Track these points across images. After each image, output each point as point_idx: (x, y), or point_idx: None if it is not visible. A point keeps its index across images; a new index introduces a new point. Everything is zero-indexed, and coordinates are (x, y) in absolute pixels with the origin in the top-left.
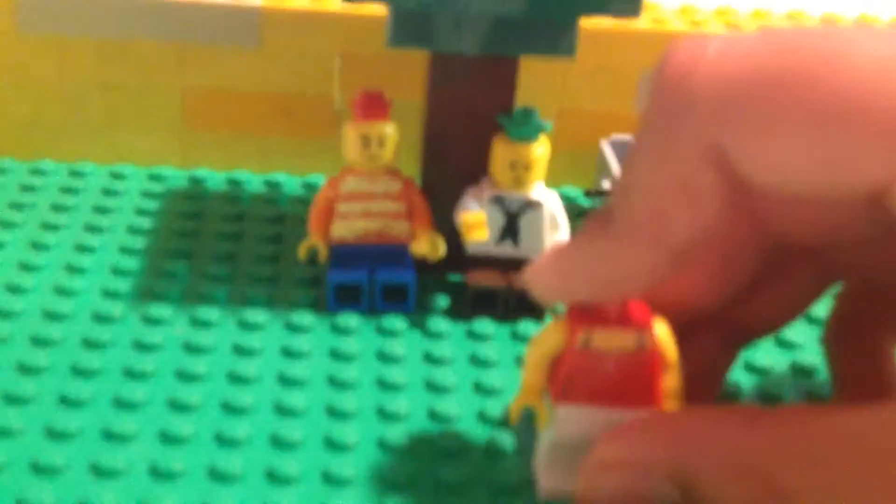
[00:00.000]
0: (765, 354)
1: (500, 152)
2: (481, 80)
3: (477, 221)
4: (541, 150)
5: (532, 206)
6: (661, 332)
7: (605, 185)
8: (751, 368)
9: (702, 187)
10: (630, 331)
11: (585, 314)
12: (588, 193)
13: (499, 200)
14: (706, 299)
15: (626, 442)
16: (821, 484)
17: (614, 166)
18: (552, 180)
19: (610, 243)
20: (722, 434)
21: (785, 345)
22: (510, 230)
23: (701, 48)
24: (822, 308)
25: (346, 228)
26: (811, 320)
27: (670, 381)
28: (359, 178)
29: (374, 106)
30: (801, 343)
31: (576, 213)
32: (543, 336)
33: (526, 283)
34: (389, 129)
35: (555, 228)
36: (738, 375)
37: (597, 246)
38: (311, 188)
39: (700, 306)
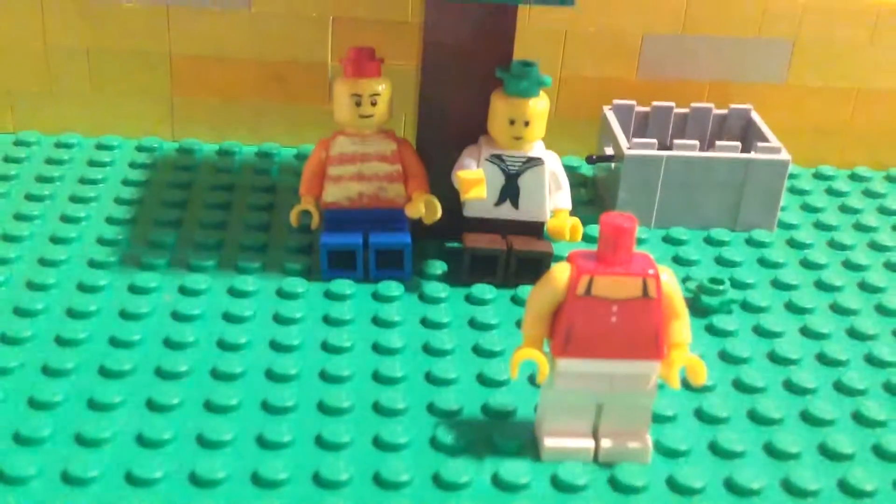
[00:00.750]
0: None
1: (499, 108)
2: (479, 33)
3: (475, 179)
4: (541, 105)
5: (532, 164)
6: (668, 279)
7: (608, 151)
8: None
9: None
10: (634, 277)
11: (588, 261)
12: (590, 159)
13: (497, 159)
14: None
15: None
16: None
17: (617, 132)
18: (552, 150)
19: None
20: None
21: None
22: (509, 191)
23: None
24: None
25: (338, 192)
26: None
27: (678, 331)
28: (351, 139)
29: (365, 63)
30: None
31: (578, 182)
32: (543, 283)
33: None
34: (382, 87)
35: (556, 188)
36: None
37: None
38: (303, 158)
39: None
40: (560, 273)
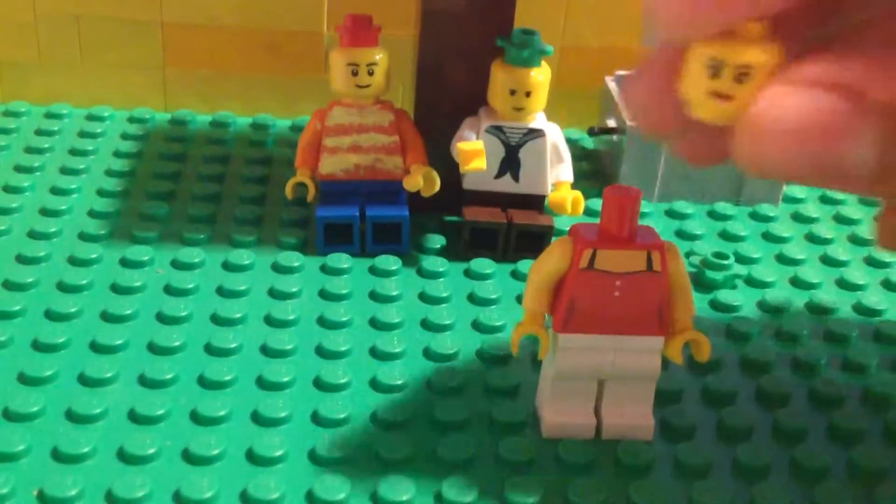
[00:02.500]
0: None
1: (499, 78)
2: (478, 1)
3: (475, 150)
4: (543, 75)
5: (533, 135)
6: (672, 253)
7: (610, 122)
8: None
9: None
10: (638, 251)
11: (590, 233)
12: (591, 131)
13: (498, 130)
14: None
15: (831, 59)
16: None
17: (620, 103)
18: (553, 121)
19: None
20: None
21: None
22: (510, 163)
23: None
24: None
25: (334, 164)
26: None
27: (682, 307)
28: (347, 110)
29: (362, 31)
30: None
31: (579, 156)
32: (545, 256)
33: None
34: (379, 56)
35: (558, 160)
36: None
37: None
38: (299, 130)
39: None
40: (562, 246)
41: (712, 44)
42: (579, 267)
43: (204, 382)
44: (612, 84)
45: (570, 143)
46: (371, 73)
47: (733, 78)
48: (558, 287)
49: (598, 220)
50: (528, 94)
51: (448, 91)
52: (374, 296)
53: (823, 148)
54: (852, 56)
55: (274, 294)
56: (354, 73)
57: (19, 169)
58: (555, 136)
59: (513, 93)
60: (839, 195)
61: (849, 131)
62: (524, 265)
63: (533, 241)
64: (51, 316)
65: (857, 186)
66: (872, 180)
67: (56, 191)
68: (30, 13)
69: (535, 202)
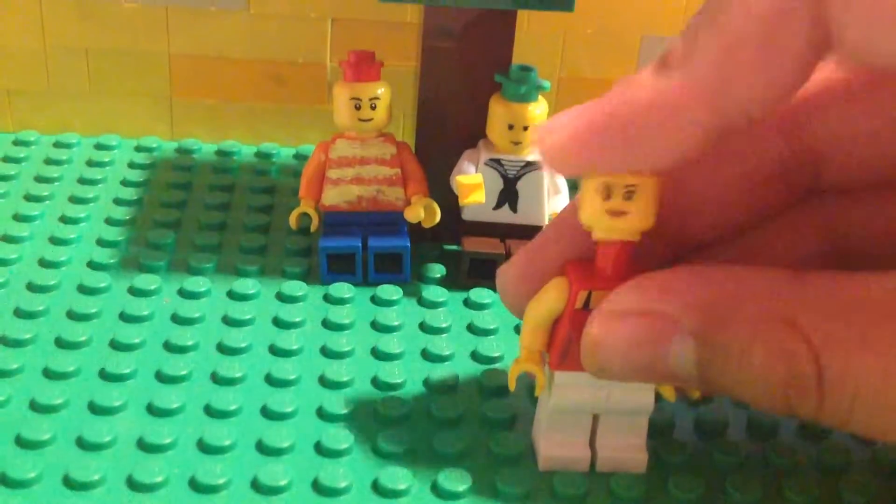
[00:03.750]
0: None
1: (497, 113)
2: (477, 38)
3: (474, 183)
4: (539, 110)
5: (531, 168)
6: None
7: None
8: None
9: (789, 37)
10: None
11: (586, 273)
12: None
13: (496, 163)
14: (719, 216)
15: (648, 290)
16: (853, 338)
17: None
18: None
19: (661, 89)
20: (759, 286)
21: None
22: (508, 195)
23: None
24: None
25: (338, 195)
26: None
27: None
28: (350, 143)
29: (365, 66)
30: None
31: (576, 187)
32: (542, 296)
33: (538, 143)
34: (382, 91)
35: (555, 192)
36: None
37: (642, 92)
38: (302, 159)
39: (709, 222)
40: (558, 287)
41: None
42: (575, 307)
43: (210, 411)
44: None
45: None
46: (373, 108)
47: (623, 196)
48: (554, 325)
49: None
50: (525, 129)
51: (448, 124)
52: (375, 325)
53: (647, 357)
54: (675, 282)
55: (278, 323)
56: (357, 108)
57: (29, 198)
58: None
59: (511, 127)
60: None
61: (666, 346)
62: None
63: None
64: (61, 344)
65: (687, 384)
66: (697, 378)
67: (65, 219)
68: (40, 44)
69: (532, 233)
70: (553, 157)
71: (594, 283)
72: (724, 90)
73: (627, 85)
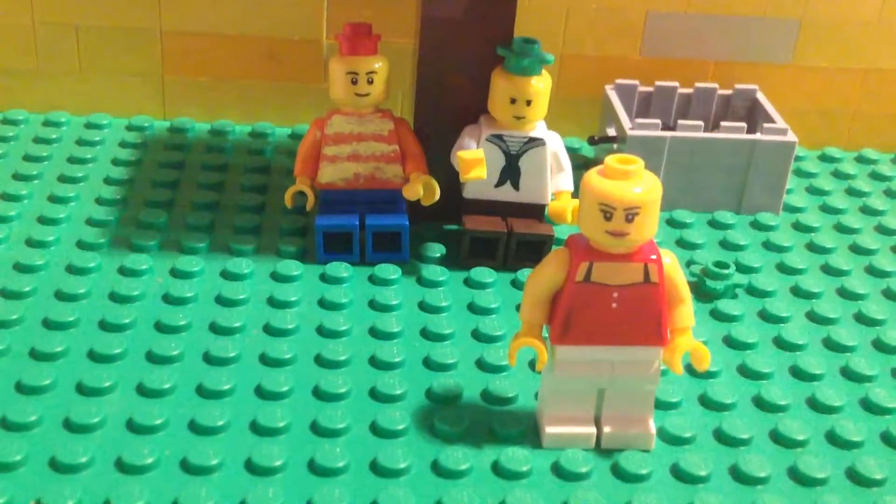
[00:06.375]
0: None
1: (500, 87)
2: (478, 9)
3: (475, 159)
4: (543, 83)
5: (533, 144)
6: (670, 263)
7: (610, 132)
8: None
9: None
10: (635, 262)
11: (587, 246)
12: (591, 140)
13: (498, 139)
14: None
15: None
16: None
17: (619, 112)
18: (553, 130)
19: None
20: None
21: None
22: (510, 172)
23: None
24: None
25: (334, 173)
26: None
27: (681, 316)
28: (346, 118)
29: (361, 39)
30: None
31: (579, 164)
32: (542, 268)
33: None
34: (379, 64)
35: (558, 169)
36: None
37: None
38: (298, 138)
39: None
40: (558, 258)
41: (603, 192)
42: (576, 279)
43: (202, 392)
44: (611, 93)
45: (571, 151)
46: (370, 82)
47: (624, 219)
48: (555, 299)
49: None
50: (528, 103)
51: (448, 99)
52: (373, 305)
53: None
54: None
55: (273, 303)
56: (354, 82)
57: (17, 177)
58: (555, 144)
59: (513, 101)
60: (840, 204)
61: None
62: (524, 274)
63: (533, 250)
64: (49, 325)
65: None
66: None
67: (54, 199)
68: (28, 21)
69: (535, 211)
70: None
71: (595, 254)
72: None
73: None
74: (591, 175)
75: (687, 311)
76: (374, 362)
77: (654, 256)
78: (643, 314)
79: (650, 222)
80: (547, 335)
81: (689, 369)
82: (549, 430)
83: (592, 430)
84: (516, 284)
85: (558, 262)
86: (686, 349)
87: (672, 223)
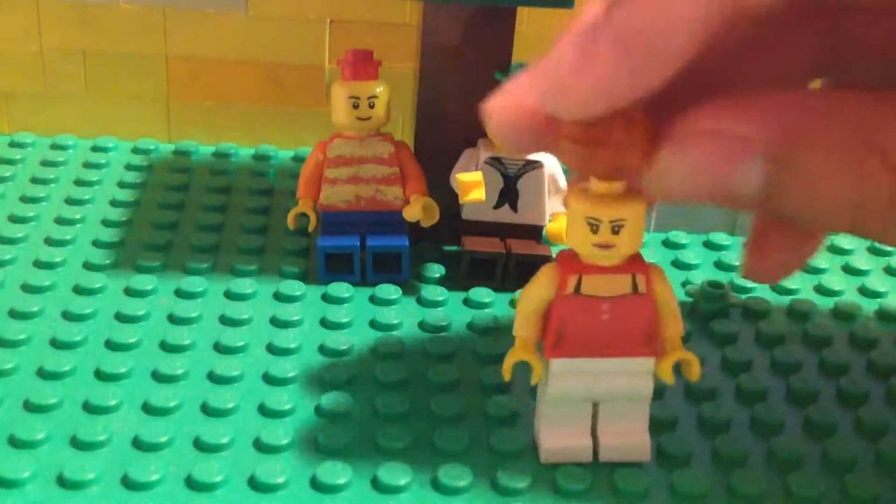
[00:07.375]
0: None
1: None
2: (477, 35)
3: (474, 181)
4: None
5: (531, 167)
6: (658, 275)
7: None
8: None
9: None
10: (623, 274)
11: (575, 260)
12: None
13: (497, 162)
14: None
15: (722, 111)
16: None
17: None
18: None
19: None
20: (844, 109)
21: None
22: (508, 194)
23: None
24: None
25: (335, 195)
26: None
27: (671, 327)
28: (348, 142)
29: (363, 65)
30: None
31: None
32: (533, 284)
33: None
34: (380, 89)
35: (556, 191)
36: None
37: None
38: (300, 161)
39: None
40: (547, 273)
41: (589, 205)
42: (565, 293)
43: (207, 410)
44: None
45: (567, 174)
46: (372, 106)
47: (610, 231)
48: (547, 313)
49: None
50: None
51: (447, 123)
52: (374, 324)
53: (717, 179)
54: (735, 107)
55: (276, 322)
56: (355, 106)
57: (25, 199)
58: (552, 167)
59: None
60: None
61: (735, 167)
62: None
63: (531, 271)
64: (56, 344)
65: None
66: (760, 200)
67: (61, 221)
68: (36, 46)
69: (532, 232)
70: (557, 97)
71: (583, 267)
72: None
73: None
74: (577, 190)
75: (675, 319)
76: (377, 382)
77: (641, 267)
78: (634, 325)
79: (636, 234)
80: (541, 349)
81: (687, 390)
82: (546, 445)
83: (589, 443)
84: (514, 304)
85: (548, 277)
86: (677, 359)
87: (667, 244)
